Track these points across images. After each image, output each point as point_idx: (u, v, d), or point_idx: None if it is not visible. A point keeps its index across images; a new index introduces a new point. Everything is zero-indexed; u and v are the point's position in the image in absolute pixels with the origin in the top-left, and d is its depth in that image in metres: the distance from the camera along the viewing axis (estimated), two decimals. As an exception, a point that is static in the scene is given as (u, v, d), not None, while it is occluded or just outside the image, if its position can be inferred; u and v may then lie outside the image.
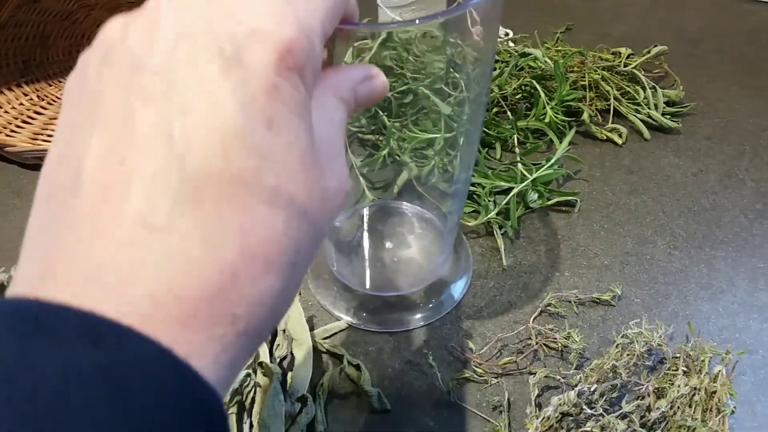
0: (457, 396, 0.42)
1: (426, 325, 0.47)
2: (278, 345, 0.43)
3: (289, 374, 0.42)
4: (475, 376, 0.43)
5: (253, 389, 0.40)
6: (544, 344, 0.44)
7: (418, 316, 0.47)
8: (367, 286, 0.48)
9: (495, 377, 0.43)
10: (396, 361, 0.44)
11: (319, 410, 0.40)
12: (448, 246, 0.50)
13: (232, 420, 0.39)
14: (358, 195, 0.49)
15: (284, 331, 0.44)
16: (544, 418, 0.36)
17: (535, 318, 0.46)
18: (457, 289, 0.49)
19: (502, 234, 0.52)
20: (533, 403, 0.40)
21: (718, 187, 0.56)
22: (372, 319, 0.47)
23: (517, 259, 0.51)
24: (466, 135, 0.43)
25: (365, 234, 0.51)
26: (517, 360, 0.43)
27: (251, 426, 0.38)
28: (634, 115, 0.61)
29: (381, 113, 0.45)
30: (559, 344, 0.44)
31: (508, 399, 0.41)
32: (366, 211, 0.51)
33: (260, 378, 0.40)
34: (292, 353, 0.43)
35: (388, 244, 0.51)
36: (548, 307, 0.47)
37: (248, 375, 0.40)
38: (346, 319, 0.47)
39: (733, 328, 0.46)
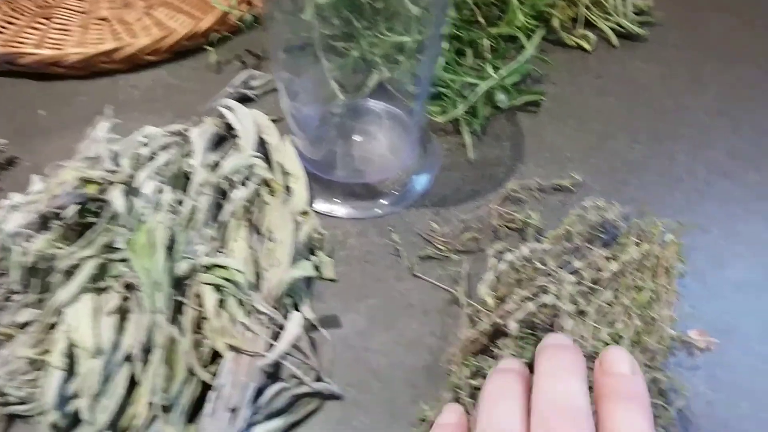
0: (419, 270, 0.43)
1: (392, 213, 0.48)
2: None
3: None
4: (438, 253, 0.44)
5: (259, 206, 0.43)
6: (505, 225, 0.45)
7: (385, 202, 0.48)
8: (336, 174, 0.49)
9: (456, 254, 0.44)
10: (362, 243, 0.46)
11: None
12: (416, 140, 0.51)
13: (243, 233, 0.41)
14: (329, 96, 0.50)
15: (279, 163, 0.46)
16: (496, 272, 0.37)
17: (498, 204, 0.47)
18: (423, 179, 0.50)
19: (471, 132, 0.52)
20: (488, 269, 0.41)
21: (682, 89, 0.58)
22: (340, 206, 0.48)
23: (483, 154, 0.52)
24: (430, 39, 0.44)
25: (336, 129, 0.52)
26: (478, 237, 0.45)
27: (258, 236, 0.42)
28: (604, 23, 0.61)
29: (353, 17, 0.46)
30: (519, 223, 0.45)
31: (468, 272, 0.43)
32: (338, 109, 0.52)
33: (266, 196, 0.43)
34: (288, 186, 0.46)
35: (358, 138, 0.52)
36: (511, 193, 0.48)
37: (257, 192, 0.43)
38: (315, 206, 0.48)
39: (690, 211, 0.47)
